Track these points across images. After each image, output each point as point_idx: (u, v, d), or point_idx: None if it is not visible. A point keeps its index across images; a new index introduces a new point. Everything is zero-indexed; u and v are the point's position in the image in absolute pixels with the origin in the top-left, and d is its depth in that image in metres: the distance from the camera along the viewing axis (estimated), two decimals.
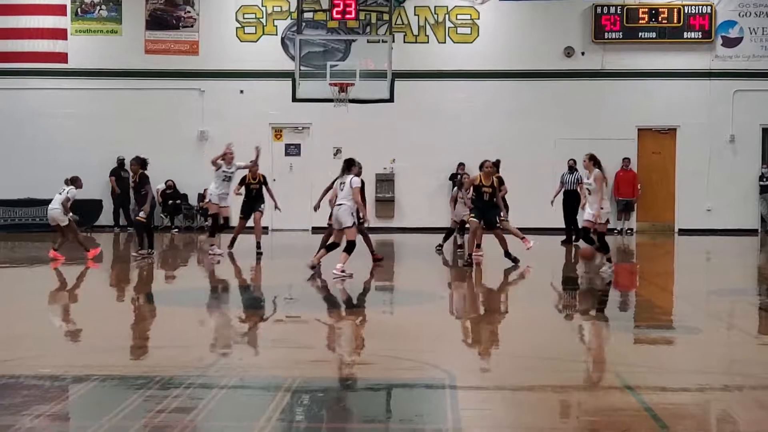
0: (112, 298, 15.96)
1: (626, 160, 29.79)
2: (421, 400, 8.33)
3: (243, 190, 22.11)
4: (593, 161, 18.73)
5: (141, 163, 21.59)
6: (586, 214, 18.54)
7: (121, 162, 29.21)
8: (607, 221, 19.10)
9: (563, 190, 25.65)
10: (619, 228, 29.97)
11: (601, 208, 18.33)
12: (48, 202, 28.52)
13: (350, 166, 18.22)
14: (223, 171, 21.98)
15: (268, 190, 22.38)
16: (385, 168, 30.05)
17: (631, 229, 30.09)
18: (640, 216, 30.54)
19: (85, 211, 28.50)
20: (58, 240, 21.05)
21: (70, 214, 21.18)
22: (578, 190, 24.06)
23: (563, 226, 25.70)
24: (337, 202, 17.91)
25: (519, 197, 25.77)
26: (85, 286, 17.29)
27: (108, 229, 28.95)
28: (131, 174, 21.47)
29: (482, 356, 10.54)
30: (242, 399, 8.28)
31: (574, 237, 24.46)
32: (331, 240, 18.55)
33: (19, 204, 28.64)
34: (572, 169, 25.59)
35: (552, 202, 25.52)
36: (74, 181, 21.58)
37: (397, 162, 29.95)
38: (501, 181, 21.39)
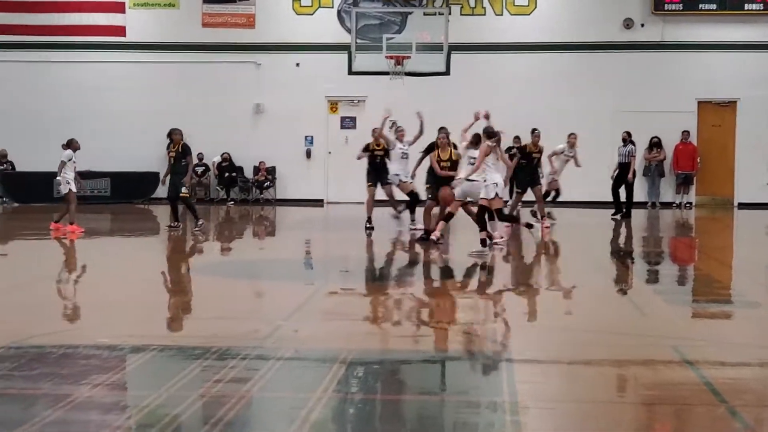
0: (169, 269, 16.06)
1: (685, 133, 29.48)
2: (477, 373, 8.31)
3: (366, 157, 21.48)
4: (486, 135, 17.73)
5: (182, 133, 21.48)
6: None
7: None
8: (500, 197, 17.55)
9: (618, 162, 25.40)
10: (678, 202, 29.69)
11: (495, 183, 17.06)
12: (107, 175, 28.94)
13: (491, 135, 17.49)
14: (399, 149, 21.63)
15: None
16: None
17: (690, 203, 29.78)
18: (699, 190, 30.21)
19: (142, 183, 28.78)
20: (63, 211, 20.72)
21: (68, 183, 20.89)
22: (630, 162, 24.11)
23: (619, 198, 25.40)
24: (471, 177, 17.51)
25: (577, 170, 25.58)
26: (141, 257, 17.41)
27: (165, 201, 29.08)
28: (172, 144, 21.20)
29: (538, 329, 10.49)
30: (298, 370, 8.30)
31: (624, 209, 24.30)
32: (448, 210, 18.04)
33: (81, 176, 28.86)
34: (625, 141, 25.31)
35: (612, 176, 25.28)
36: (69, 144, 21.32)
37: (454, 135, 29.79)
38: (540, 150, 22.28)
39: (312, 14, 30.27)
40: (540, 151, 22.17)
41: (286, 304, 11.79)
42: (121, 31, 30.35)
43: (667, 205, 29.39)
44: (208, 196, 30.32)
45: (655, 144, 29.59)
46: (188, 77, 30.10)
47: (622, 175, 24.70)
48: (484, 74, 29.62)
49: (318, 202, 29.59)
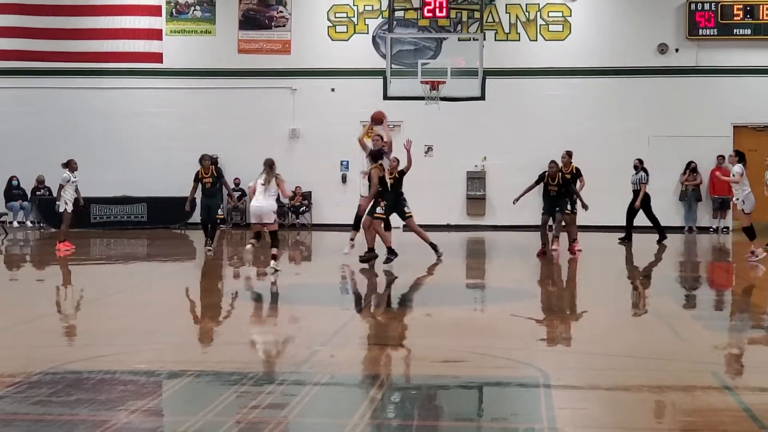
0: (205, 294, 16.09)
1: (720, 158, 29.30)
2: (515, 399, 8.26)
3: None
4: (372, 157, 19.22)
5: (213, 160, 21.93)
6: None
7: (214, 160, 29.47)
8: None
9: (633, 189, 25.18)
10: (714, 226, 29.51)
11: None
12: (143, 200, 29.09)
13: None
14: None
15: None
16: (476, 166, 29.95)
17: (727, 228, 29.58)
18: (737, 214, 29.96)
19: (178, 209, 28.86)
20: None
21: (66, 202, 21.69)
22: (640, 189, 24.05)
23: (651, 224, 25.23)
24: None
25: (613, 195, 25.56)
26: (178, 282, 17.46)
27: (201, 226, 29.18)
28: (203, 170, 21.55)
29: (576, 355, 10.42)
30: (335, 396, 8.28)
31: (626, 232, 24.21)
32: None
33: (115, 201, 29.07)
34: (636, 168, 25.17)
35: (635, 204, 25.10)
36: (68, 164, 22.04)
37: (489, 160, 29.80)
38: (579, 173, 22.60)
39: (347, 40, 30.37)
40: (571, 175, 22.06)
41: (322, 329, 11.78)
42: (158, 57, 30.57)
43: (704, 230, 29.21)
44: (244, 221, 30.39)
45: (692, 169, 29.44)
46: (224, 103, 30.26)
47: (635, 201, 24.64)
48: (519, 99, 29.62)
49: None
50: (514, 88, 29.48)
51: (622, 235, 24.62)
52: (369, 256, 18.87)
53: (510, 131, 29.57)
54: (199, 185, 21.73)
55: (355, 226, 19.98)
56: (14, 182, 30.10)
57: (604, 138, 29.05)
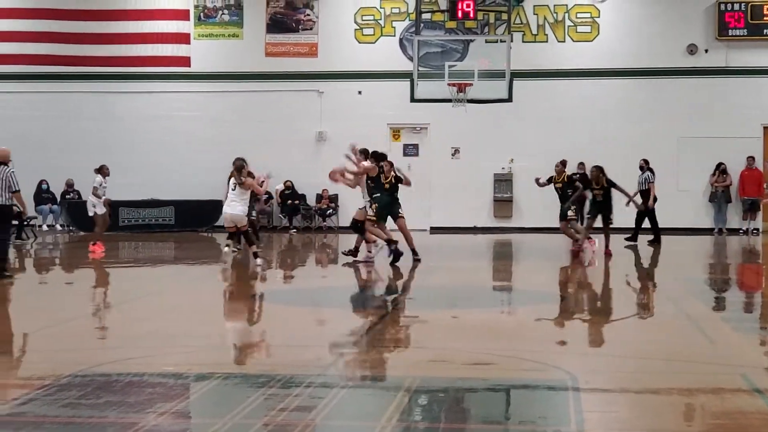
0: (232, 297, 16.12)
1: (751, 159, 29.16)
2: (543, 402, 8.22)
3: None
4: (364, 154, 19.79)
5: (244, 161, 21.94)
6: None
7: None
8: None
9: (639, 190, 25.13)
10: (744, 228, 29.35)
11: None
12: (171, 203, 29.19)
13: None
14: None
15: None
16: (503, 168, 29.92)
17: (757, 230, 29.42)
18: (767, 216, 29.84)
19: (206, 211, 28.97)
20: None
21: (99, 206, 22.33)
22: (649, 189, 23.96)
23: (680, 226, 25.18)
24: None
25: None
26: (205, 285, 17.51)
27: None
28: (235, 173, 21.70)
29: (604, 357, 10.37)
30: (362, 398, 8.27)
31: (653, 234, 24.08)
32: None
33: (143, 205, 29.19)
34: (642, 169, 25.11)
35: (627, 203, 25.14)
36: (100, 170, 22.50)
37: (516, 162, 29.74)
38: (571, 180, 22.87)
39: (374, 42, 30.40)
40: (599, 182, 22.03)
41: (349, 332, 11.77)
42: (186, 61, 30.70)
43: (733, 232, 29.06)
44: (271, 223, 30.47)
45: (722, 170, 29.29)
46: (252, 106, 30.35)
47: (642, 203, 24.53)
48: (547, 101, 29.56)
49: None
50: (542, 89, 29.42)
51: (651, 237, 24.56)
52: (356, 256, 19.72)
53: (537, 133, 29.51)
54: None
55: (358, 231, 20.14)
56: (44, 186, 30.27)
57: (632, 139, 28.94)
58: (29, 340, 11.41)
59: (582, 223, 22.88)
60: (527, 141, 29.54)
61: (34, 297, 15.76)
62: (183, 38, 30.93)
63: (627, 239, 24.25)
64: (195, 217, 29.28)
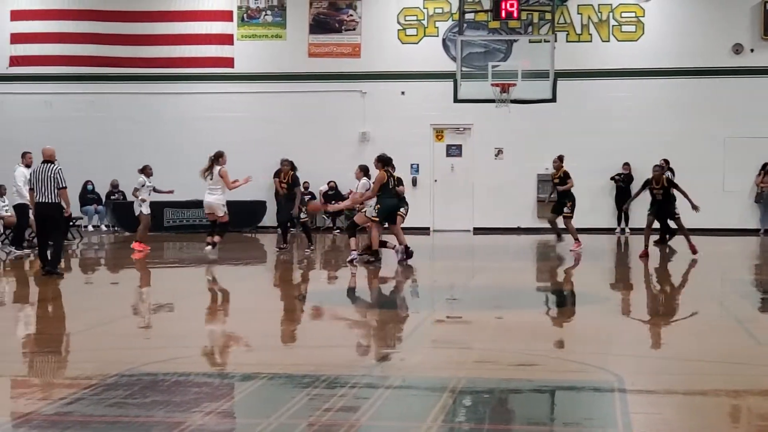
0: (276, 297, 16.16)
1: None
2: (589, 403, 8.18)
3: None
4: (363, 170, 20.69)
5: (292, 165, 22.23)
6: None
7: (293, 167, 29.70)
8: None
9: None
10: None
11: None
12: None
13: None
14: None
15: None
16: (546, 168, 29.73)
17: None
18: None
19: (250, 212, 29.06)
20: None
21: (144, 206, 22.91)
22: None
23: (725, 227, 24.99)
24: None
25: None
26: (249, 285, 17.57)
27: (272, 230, 29.35)
28: (282, 174, 22.16)
29: (651, 359, 10.30)
30: (408, 399, 8.26)
31: (667, 236, 23.78)
32: None
33: (187, 206, 29.30)
34: (662, 169, 24.93)
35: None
36: (143, 170, 23.15)
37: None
38: (567, 175, 22.91)
39: (417, 43, 30.39)
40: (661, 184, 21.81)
41: (393, 333, 11.78)
42: (229, 62, 30.83)
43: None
44: (314, 224, 30.52)
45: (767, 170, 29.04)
46: (294, 107, 30.42)
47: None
48: (590, 101, 29.43)
49: (424, 230, 29.59)
50: (586, 89, 29.29)
51: (657, 237, 24.51)
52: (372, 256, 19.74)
53: (581, 133, 29.38)
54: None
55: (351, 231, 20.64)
56: (89, 187, 30.49)
57: (678, 140, 28.75)
58: (76, 340, 11.50)
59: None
60: (571, 141, 29.37)
61: (80, 297, 15.88)
62: (226, 39, 31.06)
63: (663, 242, 24.22)
64: (239, 218, 29.30)
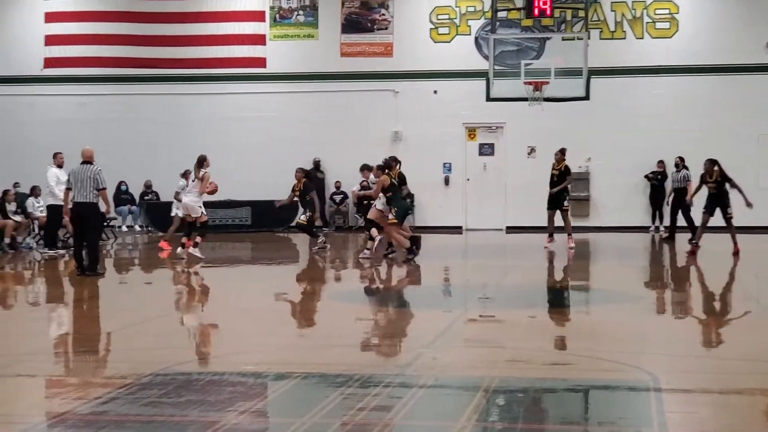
0: (309, 297, 16.19)
1: None
2: (624, 403, 8.14)
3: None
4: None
5: (304, 172, 22.98)
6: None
7: (316, 163, 29.77)
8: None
9: (673, 188, 25.16)
10: None
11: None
12: (248, 203, 29.38)
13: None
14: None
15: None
16: (580, 167, 29.68)
17: None
18: None
19: (282, 212, 29.09)
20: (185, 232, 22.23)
21: (177, 208, 23.52)
22: (686, 187, 23.68)
23: (761, 224, 24.91)
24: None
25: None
26: (281, 284, 17.61)
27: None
28: (196, 166, 22.34)
29: (686, 358, 10.24)
30: (441, 398, 8.25)
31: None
32: None
33: (220, 205, 29.38)
34: (678, 167, 24.93)
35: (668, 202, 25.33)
36: (184, 174, 23.60)
37: (593, 160, 29.49)
38: (567, 170, 23.07)
39: (449, 42, 30.35)
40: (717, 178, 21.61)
41: (426, 332, 11.76)
42: (261, 62, 30.91)
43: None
44: (346, 223, 30.55)
45: None
46: (327, 106, 30.45)
47: (679, 201, 24.28)
48: (624, 99, 29.30)
49: (456, 229, 29.56)
50: (620, 87, 29.16)
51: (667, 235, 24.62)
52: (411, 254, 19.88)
53: (615, 131, 29.26)
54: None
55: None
56: (123, 187, 30.65)
57: (712, 137, 28.58)
58: (111, 339, 11.56)
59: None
60: (604, 139, 29.30)
61: (114, 297, 15.96)
62: (259, 39, 31.14)
63: (668, 239, 24.38)
64: (271, 218, 29.44)
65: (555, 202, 22.98)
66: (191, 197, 21.21)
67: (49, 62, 31.72)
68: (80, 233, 17.84)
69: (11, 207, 23.48)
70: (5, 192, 23.91)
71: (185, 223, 22.13)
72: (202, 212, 21.20)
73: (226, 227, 29.25)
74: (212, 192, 21.48)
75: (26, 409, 8.01)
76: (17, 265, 20.81)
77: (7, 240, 22.60)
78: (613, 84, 28.86)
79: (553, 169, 23.21)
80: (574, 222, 28.99)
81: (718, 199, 21.13)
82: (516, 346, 10.67)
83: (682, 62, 29.46)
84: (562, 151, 23.24)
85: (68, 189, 17.80)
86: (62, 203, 21.37)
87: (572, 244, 22.63)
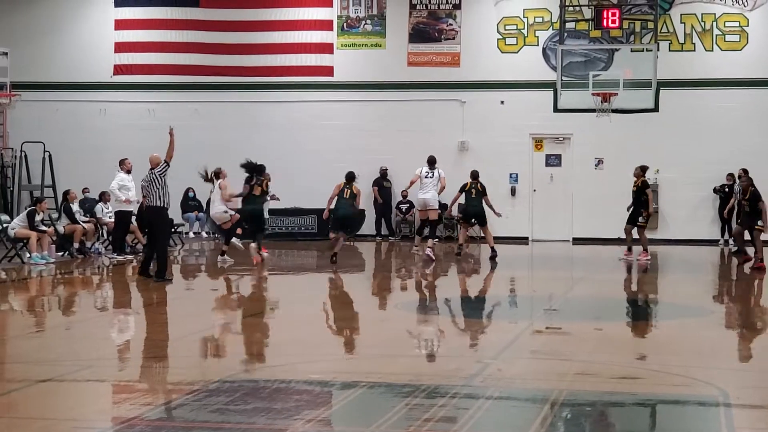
0: (375, 306, 16.19)
1: None
2: (693, 418, 8.05)
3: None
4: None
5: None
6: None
7: (383, 172, 29.79)
8: None
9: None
10: None
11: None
12: (313, 212, 29.41)
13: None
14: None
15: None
16: (648, 179, 29.37)
17: None
18: None
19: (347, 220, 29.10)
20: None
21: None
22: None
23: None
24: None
25: None
26: (347, 293, 17.64)
27: (370, 238, 29.46)
28: (213, 177, 22.66)
29: (756, 373, 10.10)
30: (508, 411, 8.21)
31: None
32: None
33: (287, 213, 29.49)
34: (740, 178, 24.44)
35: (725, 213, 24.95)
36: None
37: (661, 173, 29.17)
38: (644, 186, 23.01)
39: (517, 52, 30.22)
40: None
41: (492, 343, 11.72)
42: (329, 71, 30.99)
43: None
44: (412, 233, 30.52)
45: None
46: (393, 115, 30.45)
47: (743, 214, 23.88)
48: (693, 111, 28.97)
49: (523, 240, 29.44)
50: (689, 99, 28.83)
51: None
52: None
53: (683, 144, 28.95)
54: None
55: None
56: (190, 194, 30.87)
57: None
58: (179, 346, 11.64)
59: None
60: (673, 151, 28.98)
61: (180, 303, 16.07)
62: (327, 48, 31.24)
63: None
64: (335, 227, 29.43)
65: (632, 218, 22.82)
66: (216, 207, 22.15)
67: (119, 69, 32.05)
68: (149, 239, 18.13)
69: (75, 207, 23.77)
70: (67, 192, 24.20)
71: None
72: (230, 215, 21.81)
73: (291, 235, 29.33)
74: (236, 196, 21.94)
75: (95, 414, 8.09)
76: (86, 269, 21.04)
77: (76, 245, 22.84)
78: (682, 96, 28.56)
79: (633, 185, 23.08)
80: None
81: (749, 216, 20.97)
82: (584, 359, 10.59)
83: (751, 75, 29.07)
84: (642, 168, 23.08)
85: (145, 197, 18.18)
86: (129, 209, 21.76)
87: (643, 258, 22.38)
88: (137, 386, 9.08)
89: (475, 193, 23.62)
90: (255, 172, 22.22)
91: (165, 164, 17.90)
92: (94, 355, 10.67)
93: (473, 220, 23.93)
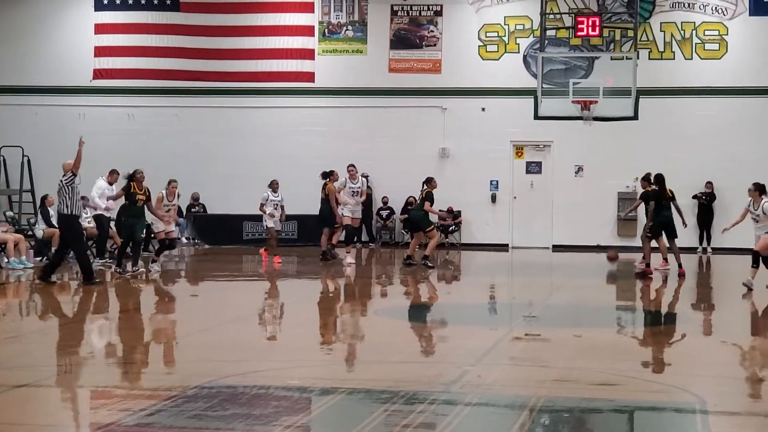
0: (355, 312, 16.18)
1: None
2: (670, 424, 8.07)
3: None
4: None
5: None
6: None
7: (364, 179, 29.78)
8: None
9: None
10: None
11: None
12: (294, 218, 29.37)
13: None
14: (350, 187, 23.88)
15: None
16: (627, 186, 29.52)
17: None
18: None
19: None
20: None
21: (270, 220, 24.83)
22: None
23: None
24: None
25: None
26: (327, 299, 17.62)
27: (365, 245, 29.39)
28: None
29: (733, 380, 10.13)
30: (487, 417, 8.22)
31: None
32: None
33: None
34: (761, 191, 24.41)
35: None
36: (270, 185, 24.92)
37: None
38: (642, 196, 22.68)
39: (498, 59, 30.31)
40: None
41: (471, 349, 11.71)
42: (310, 77, 31.01)
43: None
44: (393, 239, 30.53)
45: None
46: (375, 122, 30.49)
47: None
48: (673, 119, 29.12)
49: (503, 247, 29.48)
50: (669, 107, 28.98)
51: None
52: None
53: (663, 151, 29.05)
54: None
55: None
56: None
57: (761, 160, 28.29)
58: (157, 352, 11.61)
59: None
60: (652, 160, 29.01)
61: (159, 310, 16.03)
62: (308, 54, 31.25)
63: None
64: (318, 232, 29.41)
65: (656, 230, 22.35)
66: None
67: (99, 73, 31.97)
68: (59, 246, 18.85)
69: (53, 211, 23.68)
70: (45, 197, 24.11)
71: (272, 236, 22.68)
72: (162, 230, 21.09)
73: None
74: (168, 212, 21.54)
75: (72, 420, 8.06)
76: (63, 275, 20.95)
77: (53, 249, 22.73)
78: (661, 104, 28.69)
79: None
80: (623, 242, 28.90)
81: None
82: (562, 365, 10.60)
83: (730, 83, 29.23)
84: (644, 178, 22.66)
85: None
86: (104, 213, 21.79)
87: (638, 265, 22.08)
88: (115, 392, 9.04)
89: (418, 200, 23.80)
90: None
91: (71, 174, 17.60)
92: (70, 360, 10.63)
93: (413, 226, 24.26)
